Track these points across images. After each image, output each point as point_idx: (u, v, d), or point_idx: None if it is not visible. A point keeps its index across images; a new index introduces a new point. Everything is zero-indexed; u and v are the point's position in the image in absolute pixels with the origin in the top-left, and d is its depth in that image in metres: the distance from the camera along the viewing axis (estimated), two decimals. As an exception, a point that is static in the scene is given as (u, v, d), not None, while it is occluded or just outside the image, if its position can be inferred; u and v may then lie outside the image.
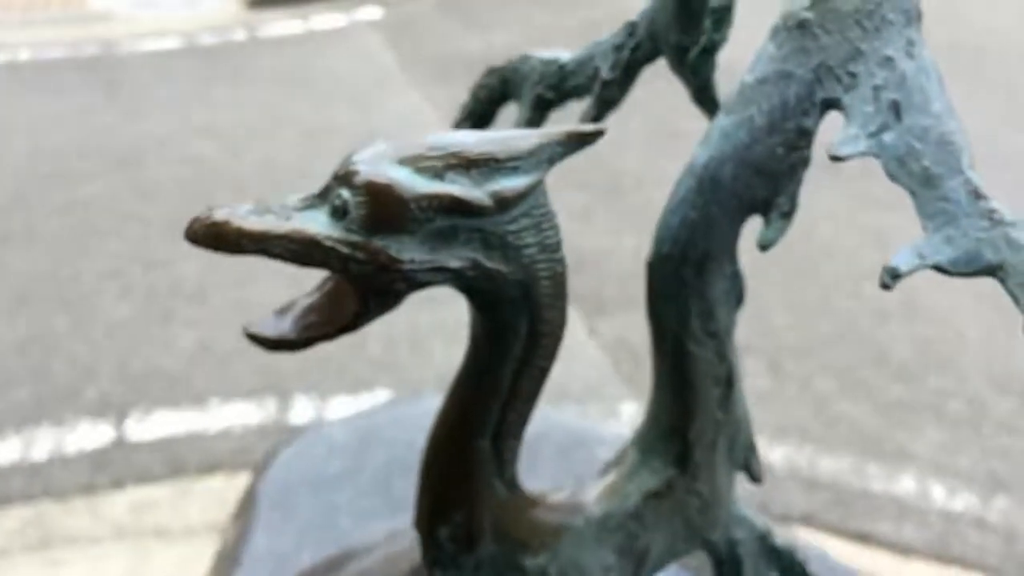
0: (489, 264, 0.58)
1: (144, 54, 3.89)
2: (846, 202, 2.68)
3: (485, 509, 0.68)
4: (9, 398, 1.96)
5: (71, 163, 2.97)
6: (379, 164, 0.56)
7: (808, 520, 1.72)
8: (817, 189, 3.02)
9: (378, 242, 0.55)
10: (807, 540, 1.68)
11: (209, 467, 1.79)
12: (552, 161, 0.59)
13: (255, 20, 4.26)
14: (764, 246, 0.64)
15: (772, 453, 1.85)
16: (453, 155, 0.56)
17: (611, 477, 0.75)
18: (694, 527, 0.77)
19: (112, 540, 1.64)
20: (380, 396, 1.98)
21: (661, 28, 0.74)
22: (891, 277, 0.54)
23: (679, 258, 0.68)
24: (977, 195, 0.55)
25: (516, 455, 0.69)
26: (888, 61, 0.59)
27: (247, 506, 1.00)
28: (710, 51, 0.71)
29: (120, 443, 1.85)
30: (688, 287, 0.69)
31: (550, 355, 0.65)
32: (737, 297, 0.73)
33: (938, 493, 1.77)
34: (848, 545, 1.68)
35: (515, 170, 0.57)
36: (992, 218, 0.55)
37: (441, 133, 0.59)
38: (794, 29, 0.62)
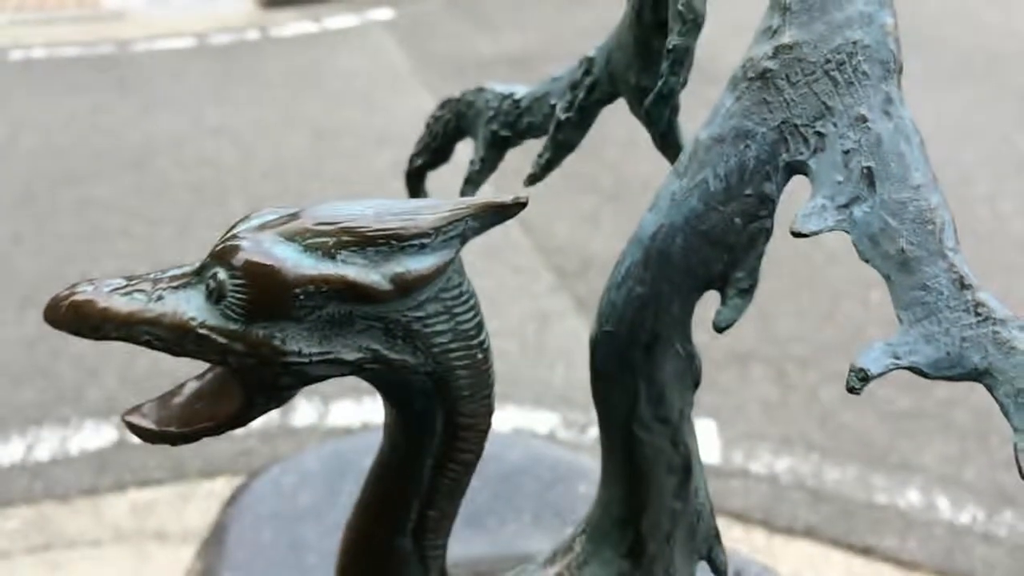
0: (392, 355, 0.51)
1: (157, 53, 3.91)
2: (857, 208, 2.66)
3: None
4: (14, 398, 1.98)
5: (82, 162, 2.99)
6: (261, 241, 0.49)
7: (812, 533, 1.70)
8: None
9: (259, 331, 0.49)
10: (811, 554, 1.67)
11: (211, 470, 1.80)
12: (465, 238, 0.52)
13: (268, 20, 4.27)
14: (720, 328, 0.57)
15: (777, 463, 1.83)
16: (348, 230, 0.49)
17: (557, 567, 0.69)
18: None
19: (113, 542, 1.65)
20: (381, 403, 1.97)
21: (620, 67, 0.67)
22: (859, 380, 0.48)
23: (625, 338, 0.61)
24: (962, 284, 0.48)
25: (443, 553, 0.63)
26: (862, 121, 0.52)
27: (214, 540, 0.97)
28: (667, 97, 0.64)
29: (123, 445, 1.85)
30: (636, 369, 0.62)
31: (473, 450, 0.58)
32: (693, 380, 0.65)
33: (944, 506, 1.75)
34: (853, 558, 1.66)
35: (421, 248, 0.50)
36: (979, 313, 0.47)
37: (337, 204, 0.51)
38: (755, 80, 0.54)
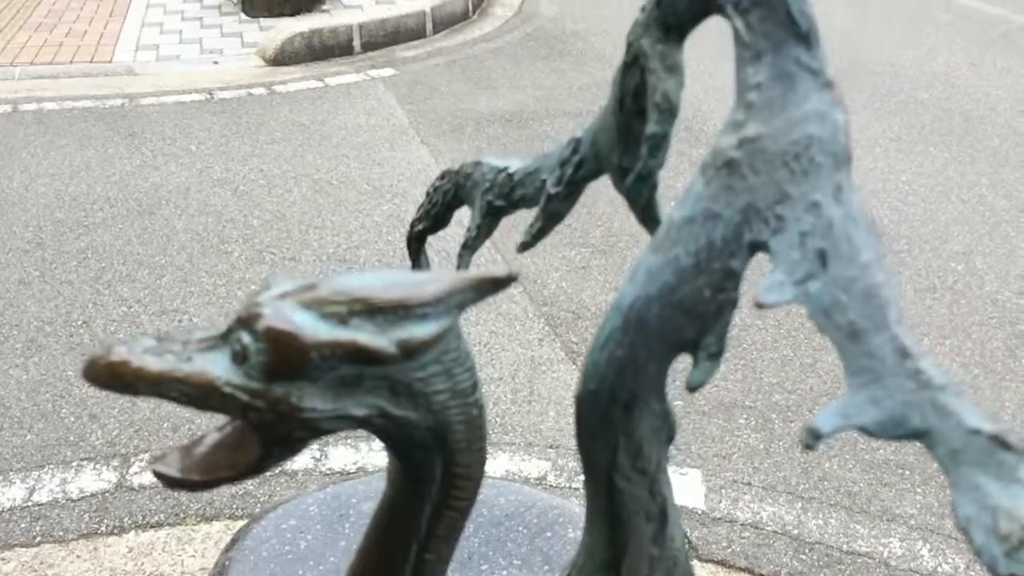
0: (396, 412, 0.57)
1: (166, 107, 4.03)
2: (841, 263, 2.73)
3: None
4: (16, 441, 2.02)
5: (90, 210, 3.07)
6: (282, 308, 0.55)
7: (795, 579, 1.74)
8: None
9: (279, 389, 0.54)
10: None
11: (209, 514, 1.83)
12: (462, 307, 0.58)
13: (274, 77, 4.41)
14: (692, 388, 0.63)
15: (762, 511, 1.87)
16: (359, 300, 0.55)
17: None
18: None
19: (111, 583, 1.68)
20: (377, 446, 2.02)
21: (604, 148, 0.74)
22: (813, 438, 0.52)
23: (607, 396, 0.66)
24: (904, 354, 0.52)
25: None
26: (815, 206, 0.57)
27: None
28: (646, 177, 0.70)
29: (122, 488, 1.89)
30: (616, 425, 0.67)
31: (468, 497, 0.64)
32: (668, 435, 0.71)
33: (925, 555, 1.79)
34: (834, 605, 1.70)
35: (423, 317, 0.56)
36: (919, 380, 0.52)
37: (349, 275, 0.57)
38: (722, 168, 0.60)
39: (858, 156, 3.53)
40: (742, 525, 1.84)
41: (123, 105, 4.04)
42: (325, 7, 5.32)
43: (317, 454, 1.99)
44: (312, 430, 0.57)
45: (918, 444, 1.87)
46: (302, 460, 1.97)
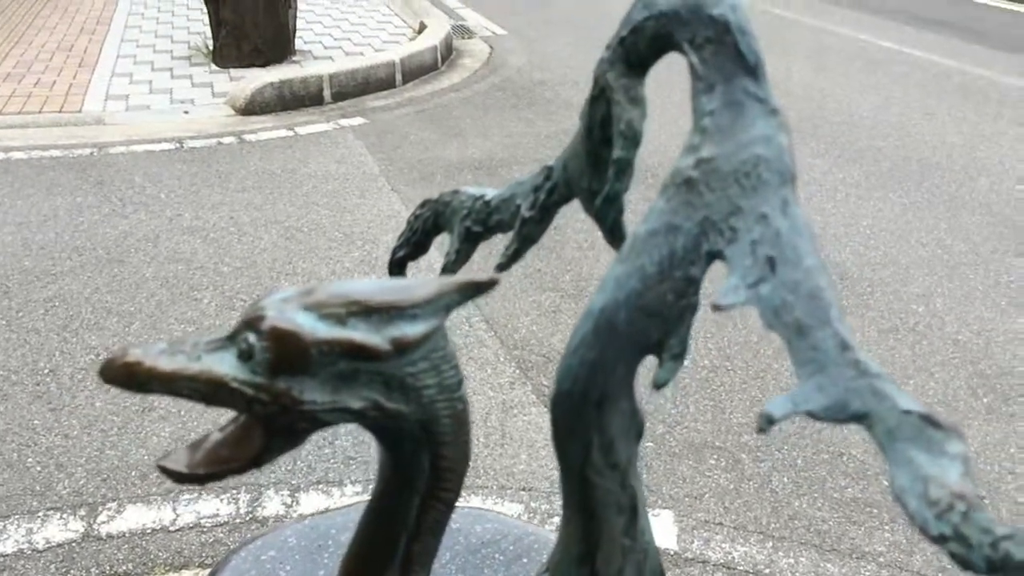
0: (389, 405, 0.62)
1: (136, 156, 4.03)
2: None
3: None
4: (-19, 491, 1.98)
5: (58, 259, 3.05)
6: (284, 310, 0.60)
7: (767, 618, 1.75)
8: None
9: (281, 384, 0.59)
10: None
11: (178, 563, 1.81)
12: (449, 308, 0.64)
13: (244, 126, 4.44)
14: (658, 386, 0.68)
15: (733, 551, 1.89)
16: (355, 302, 0.61)
17: None
18: None
19: (76, 636, 1.64)
20: (349, 491, 2.01)
21: (574, 174, 0.81)
22: (766, 422, 0.58)
23: (579, 396, 0.72)
24: (844, 346, 0.58)
25: None
26: (764, 218, 0.63)
27: None
28: (612, 199, 0.77)
29: (90, 537, 1.86)
30: (588, 423, 0.73)
31: (454, 488, 0.69)
32: (637, 432, 0.76)
33: (895, 592, 1.81)
34: (807, 643, 1.71)
35: (414, 317, 0.62)
36: (859, 369, 0.58)
37: (345, 281, 0.63)
38: (681, 185, 0.67)
39: (820, 202, 3.65)
40: (714, 565, 1.85)
41: (92, 154, 4.04)
42: (295, 58, 5.39)
43: (289, 500, 1.98)
44: (312, 421, 0.61)
45: (885, 482, 1.91)
46: (273, 506, 1.95)
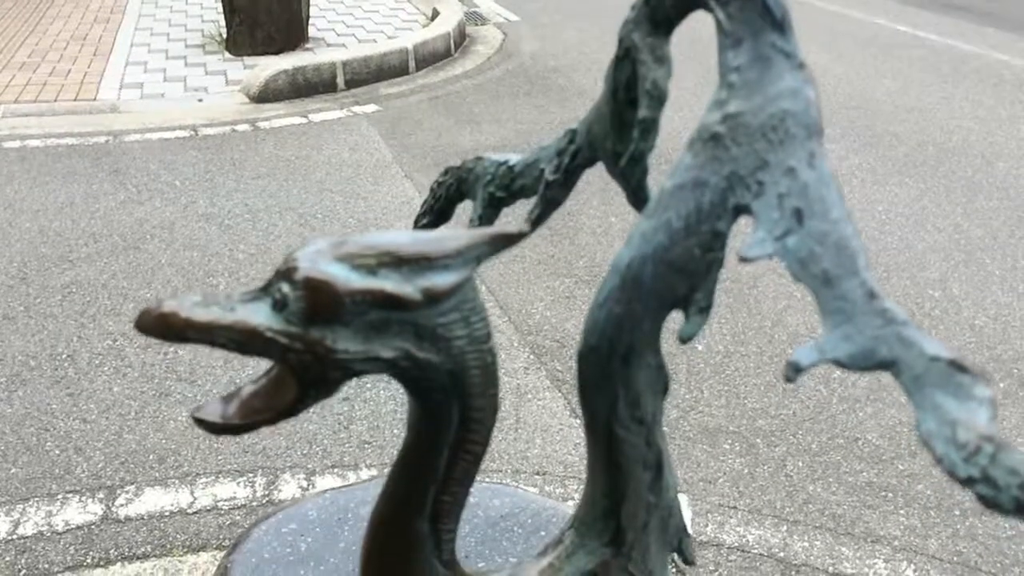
0: (420, 354, 0.62)
1: (151, 143, 4.05)
2: (820, 291, 2.79)
3: None
4: (1, 475, 2.00)
5: (74, 246, 3.08)
6: (318, 261, 0.60)
7: (782, 601, 1.75)
8: (787, 278, 3.09)
9: (315, 333, 0.60)
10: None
11: (196, 545, 1.82)
12: (479, 259, 0.65)
13: (258, 114, 4.45)
14: (684, 339, 0.69)
15: (748, 534, 1.89)
16: (386, 253, 0.61)
17: (549, 558, 0.79)
18: None
19: (96, 616, 1.66)
20: (364, 475, 2.02)
21: (598, 136, 0.82)
22: (793, 371, 0.58)
23: (606, 350, 0.73)
24: (871, 295, 0.59)
25: (453, 536, 0.73)
26: (791, 171, 0.64)
27: None
28: (638, 159, 0.78)
29: (109, 520, 1.88)
30: (615, 377, 0.73)
31: (482, 440, 0.69)
32: (663, 387, 0.77)
33: (910, 574, 1.80)
34: (821, 627, 1.71)
35: (445, 267, 0.62)
36: (885, 317, 0.58)
37: (376, 233, 0.64)
38: (708, 141, 0.68)
39: (834, 187, 3.62)
40: (729, 548, 1.85)
41: (107, 142, 4.06)
42: (308, 46, 5.39)
43: (305, 483, 1.99)
44: (344, 371, 0.62)
45: (900, 467, 1.90)
46: (289, 490, 1.97)
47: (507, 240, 0.66)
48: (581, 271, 2.95)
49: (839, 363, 0.58)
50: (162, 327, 0.60)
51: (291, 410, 0.63)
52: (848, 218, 0.63)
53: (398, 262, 0.62)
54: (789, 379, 0.58)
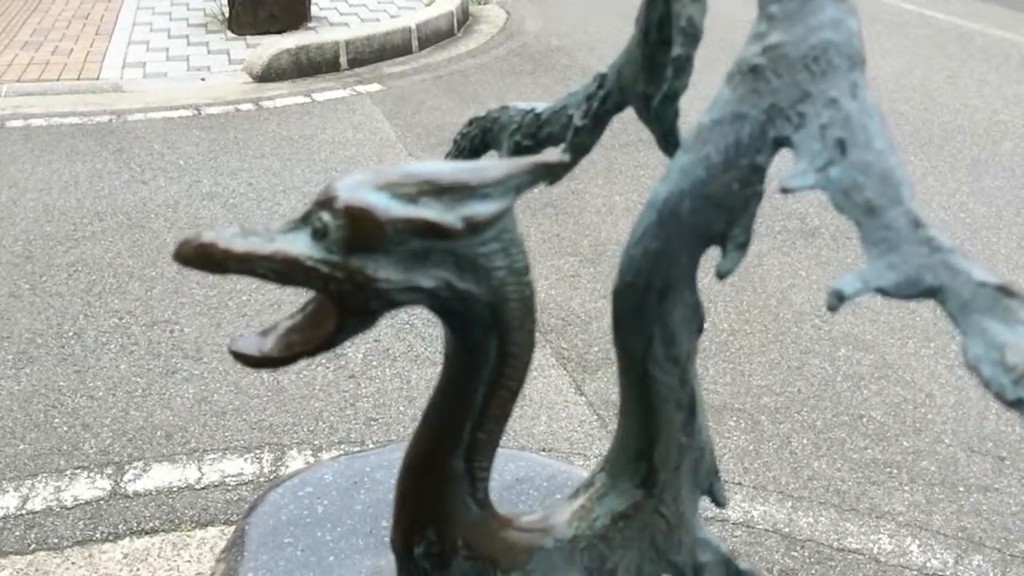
0: (460, 285, 0.62)
1: (154, 123, 4.04)
2: (820, 268, 2.78)
3: (458, 526, 0.72)
4: (9, 451, 2.02)
5: (79, 224, 3.08)
6: (358, 190, 0.60)
7: (787, 576, 1.76)
8: (792, 256, 3.10)
9: (356, 262, 0.59)
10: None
11: (204, 520, 1.84)
12: (520, 189, 0.64)
13: (261, 93, 4.43)
14: (722, 274, 0.68)
15: (752, 510, 1.90)
16: (427, 182, 0.60)
17: (581, 500, 0.80)
18: (660, 549, 0.82)
19: (106, 590, 1.68)
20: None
21: (628, 79, 0.80)
22: (837, 299, 0.57)
23: (642, 287, 0.72)
24: (917, 224, 0.58)
25: (487, 475, 0.74)
26: (833, 102, 0.62)
27: (236, 544, 1.03)
28: (672, 98, 0.77)
29: (117, 495, 1.89)
30: (651, 314, 0.73)
31: (519, 376, 0.69)
32: (698, 325, 0.76)
33: (914, 551, 1.81)
34: (826, 601, 1.72)
35: (486, 197, 0.62)
36: (931, 245, 0.58)
37: (416, 163, 0.63)
38: (747, 73, 0.66)
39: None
40: (734, 524, 1.86)
41: (111, 121, 4.05)
42: (311, 24, 5.36)
43: (311, 460, 2.00)
44: (385, 301, 0.61)
45: (905, 444, 1.90)
46: (296, 466, 1.98)
47: (548, 170, 0.65)
48: (586, 250, 2.95)
49: (883, 291, 0.58)
50: (201, 258, 0.60)
51: (330, 341, 0.63)
52: (892, 148, 0.62)
53: (439, 191, 0.61)
54: (831, 308, 0.57)
